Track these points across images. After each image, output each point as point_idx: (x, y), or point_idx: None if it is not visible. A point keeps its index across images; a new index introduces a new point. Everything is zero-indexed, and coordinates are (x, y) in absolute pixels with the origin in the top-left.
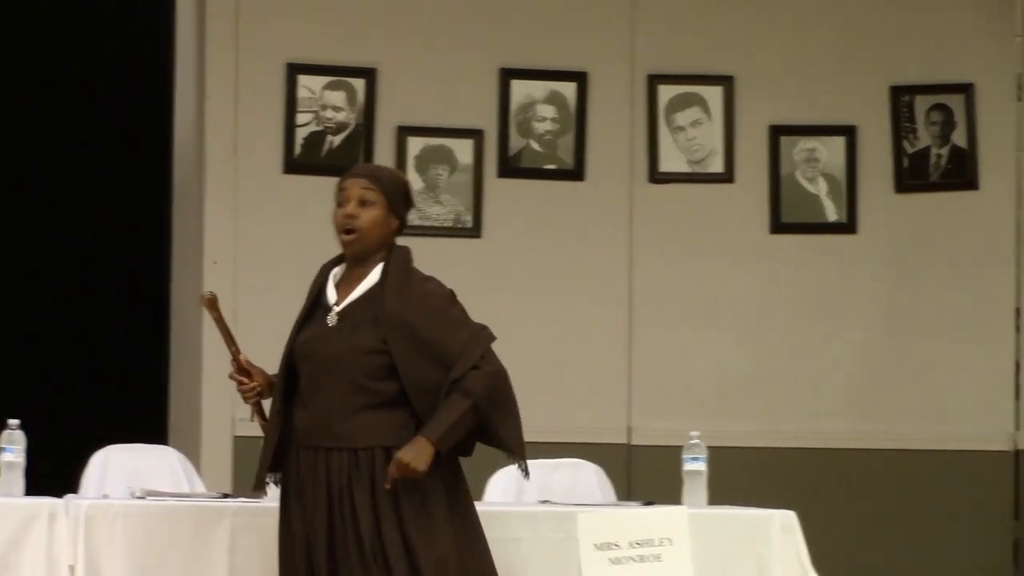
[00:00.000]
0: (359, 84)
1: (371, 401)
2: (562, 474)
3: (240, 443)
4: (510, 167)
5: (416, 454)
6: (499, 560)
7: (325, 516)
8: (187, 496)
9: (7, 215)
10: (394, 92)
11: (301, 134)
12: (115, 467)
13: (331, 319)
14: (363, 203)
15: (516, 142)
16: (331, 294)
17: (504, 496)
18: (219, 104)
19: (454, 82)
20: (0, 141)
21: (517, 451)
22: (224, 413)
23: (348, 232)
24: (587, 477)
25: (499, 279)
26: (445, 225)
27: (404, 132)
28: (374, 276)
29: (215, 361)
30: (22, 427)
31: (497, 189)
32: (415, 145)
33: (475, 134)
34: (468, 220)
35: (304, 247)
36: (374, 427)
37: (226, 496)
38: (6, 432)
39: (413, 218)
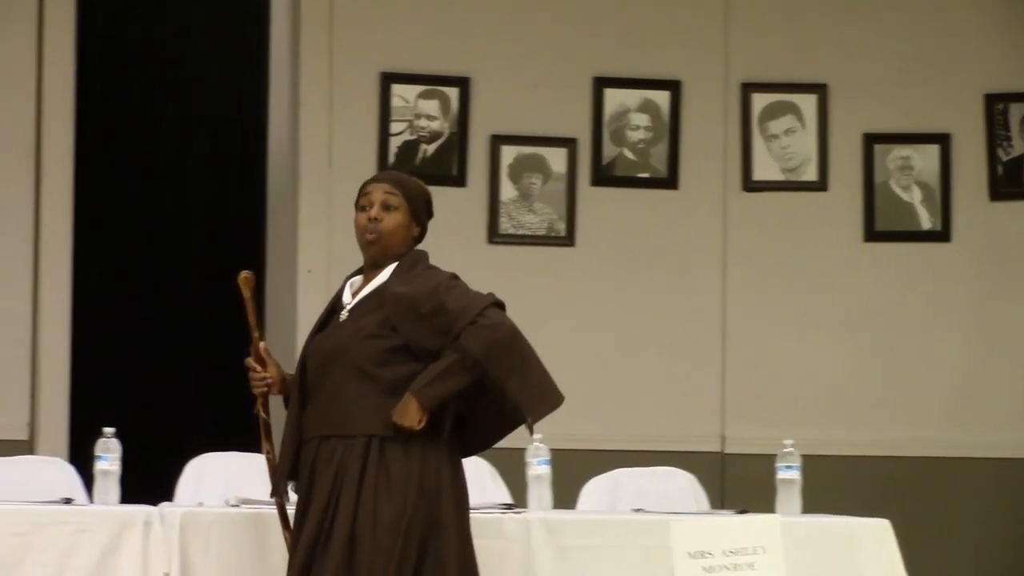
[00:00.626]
0: (453, 93)
1: (372, 387)
2: (656, 482)
3: None
4: (603, 176)
5: (401, 411)
6: (592, 568)
7: (328, 494)
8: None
9: (103, 227)
10: (488, 101)
11: (395, 143)
12: (210, 475)
13: (342, 316)
14: (386, 207)
15: (609, 150)
16: (347, 297)
17: (598, 504)
18: (314, 114)
19: (548, 91)
20: (95, 155)
21: (525, 407)
22: None
23: (371, 236)
24: (681, 485)
25: (592, 288)
26: (538, 234)
27: (498, 141)
28: (385, 274)
29: None
30: (117, 435)
31: (590, 198)
32: (508, 154)
33: (569, 143)
34: (561, 229)
35: None
36: (372, 415)
37: None
38: (101, 440)
39: (507, 226)
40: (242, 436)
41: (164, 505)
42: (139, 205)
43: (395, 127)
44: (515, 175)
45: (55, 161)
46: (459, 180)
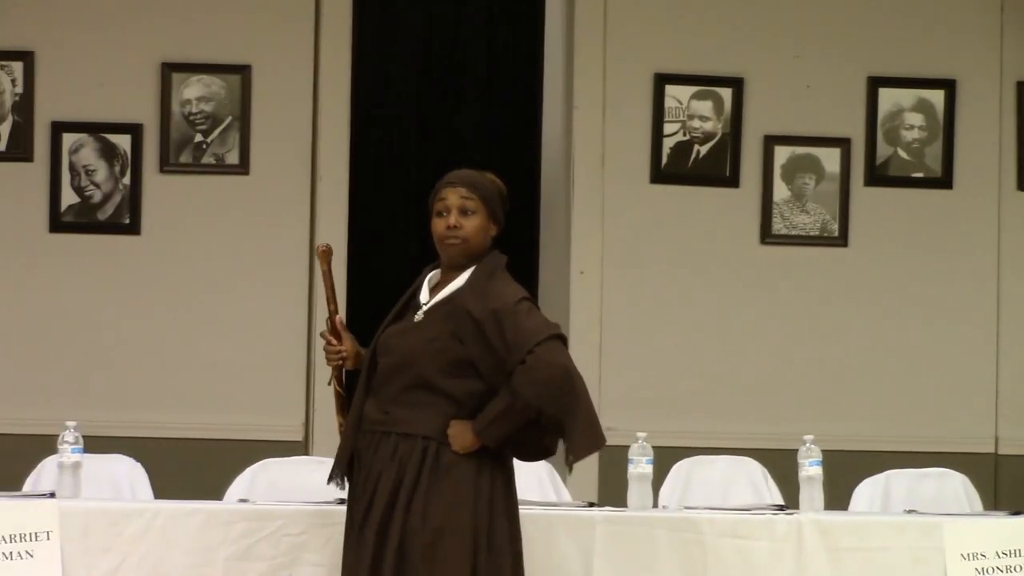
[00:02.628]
0: (727, 93)
1: (435, 398)
2: (929, 484)
3: (607, 453)
4: (877, 175)
5: (458, 437)
6: (864, 569)
7: (367, 501)
8: (554, 505)
9: (376, 230)
10: (761, 101)
11: (668, 144)
12: None
13: (418, 316)
14: (464, 212)
15: (883, 150)
16: (424, 294)
17: (870, 506)
18: (587, 114)
19: (821, 91)
20: (367, 154)
21: (570, 449)
22: None
23: (453, 241)
24: (954, 486)
25: (865, 288)
26: (811, 234)
27: (771, 141)
28: (463, 278)
29: (582, 370)
30: None
31: (864, 198)
32: (782, 154)
33: (842, 143)
34: (834, 229)
35: (671, 257)
36: (427, 419)
37: (592, 505)
38: None
39: (779, 227)
40: None
41: None
42: (413, 208)
43: (668, 128)
44: (788, 175)
45: (330, 167)
46: (732, 181)
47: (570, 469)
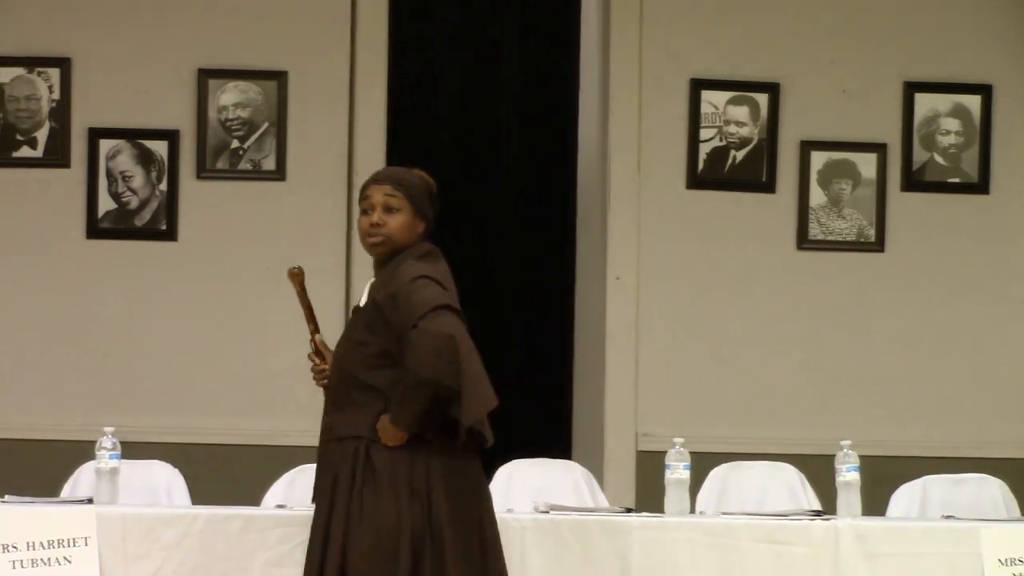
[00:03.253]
0: (763, 99)
1: (366, 395)
2: (966, 489)
3: (644, 458)
4: (914, 181)
5: (382, 432)
6: (902, 575)
7: (327, 502)
8: (591, 511)
9: None
10: (798, 106)
11: (704, 149)
12: (519, 481)
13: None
14: (388, 209)
15: (920, 155)
16: (363, 299)
17: (908, 511)
18: (623, 120)
19: (858, 96)
20: (403, 160)
21: (459, 415)
22: (627, 428)
23: (375, 239)
24: (991, 492)
25: (902, 293)
26: (848, 239)
27: (807, 146)
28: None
29: (618, 376)
30: None
31: (900, 203)
32: (818, 159)
33: (879, 148)
34: (871, 234)
35: (707, 262)
36: (359, 419)
37: (629, 511)
38: None
39: (816, 232)
40: (551, 443)
41: None
42: (449, 214)
43: (704, 133)
44: (825, 181)
45: (367, 173)
46: (768, 186)
47: (462, 436)
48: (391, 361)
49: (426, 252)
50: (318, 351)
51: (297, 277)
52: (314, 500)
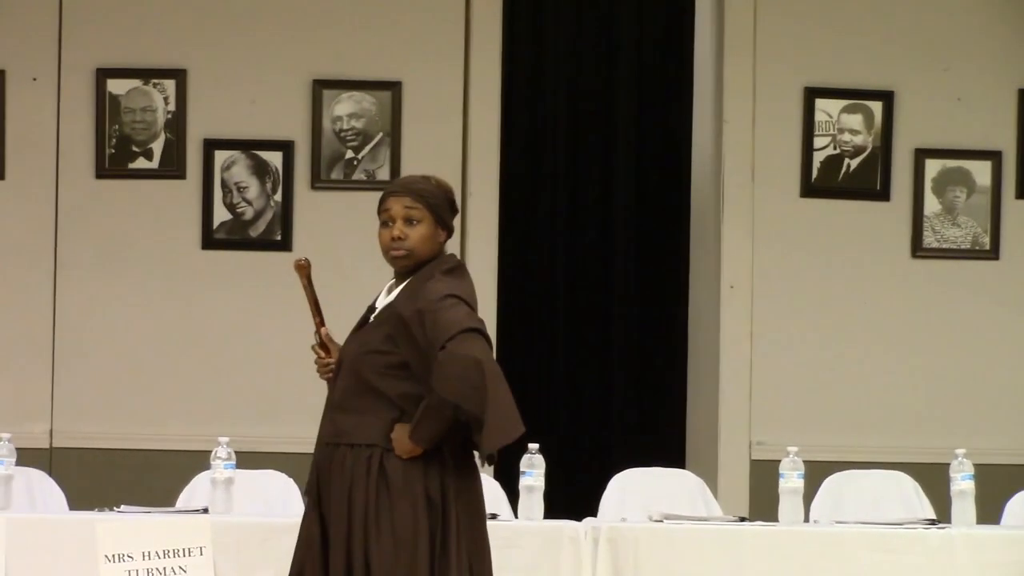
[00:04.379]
0: (877, 107)
1: (378, 403)
2: None
3: (757, 467)
4: None
5: (397, 442)
6: None
7: (345, 512)
8: (704, 520)
9: (525, 241)
10: (911, 114)
11: (818, 158)
12: (633, 491)
13: (371, 321)
14: (409, 221)
15: None
16: (380, 301)
17: (1022, 520)
18: (737, 129)
19: (972, 103)
20: (517, 170)
21: (483, 441)
22: (741, 437)
23: (398, 252)
24: None
25: (1016, 301)
26: (962, 247)
27: (922, 154)
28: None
29: (732, 385)
30: (541, 451)
31: (1015, 210)
32: (932, 167)
33: (993, 155)
34: (985, 242)
35: (821, 271)
36: (373, 427)
37: (743, 520)
38: (526, 456)
39: (930, 240)
40: (665, 452)
41: (588, 520)
42: (563, 221)
43: (818, 142)
44: (939, 188)
45: (481, 183)
46: (883, 194)
47: (483, 463)
48: (410, 374)
49: (453, 267)
50: (323, 344)
51: (304, 269)
52: (316, 504)
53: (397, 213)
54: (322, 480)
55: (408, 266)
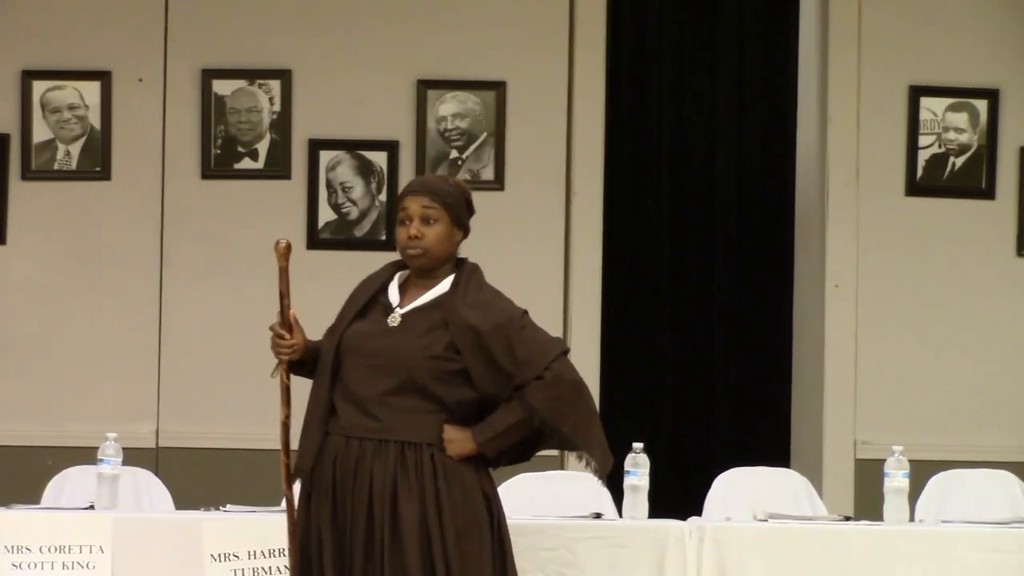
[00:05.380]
0: (982, 105)
1: (426, 404)
2: None
3: (862, 466)
4: None
5: (457, 445)
6: None
7: (365, 510)
8: (809, 519)
9: (630, 241)
10: (1017, 113)
11: (923, 156)
12: (737, 490)
13: (393, 319)
14: (426, 221)
15: None
16: (393, 295)
17: None
18: (842, 127)
19: None
20: (622, 170)
21: (596, 467)
22: (846, 436)
23: (414, 251)
24: None
25: None
26: None
27: None
28: (444, 285)
29: (837, 384)
30: (646, 450)
31: None
32: None
33: None
34: None
35: (926, 270)
36: (425, 426)
37: (848, 519)
38: (631, 456)
39: None
40: (769, 452)
41: (693, 520)
42: (667, 218)
43: (923, 140)
44: None
45: (585, 182)
46: (988, 193)
47: (597, 475)
48: (466, 382)
49: (479, 272)
50: (287, 323)
51: (286, 252)
52: (329, 495)
53: (415, 212)
54: (342, 470)
55: (425, 265)
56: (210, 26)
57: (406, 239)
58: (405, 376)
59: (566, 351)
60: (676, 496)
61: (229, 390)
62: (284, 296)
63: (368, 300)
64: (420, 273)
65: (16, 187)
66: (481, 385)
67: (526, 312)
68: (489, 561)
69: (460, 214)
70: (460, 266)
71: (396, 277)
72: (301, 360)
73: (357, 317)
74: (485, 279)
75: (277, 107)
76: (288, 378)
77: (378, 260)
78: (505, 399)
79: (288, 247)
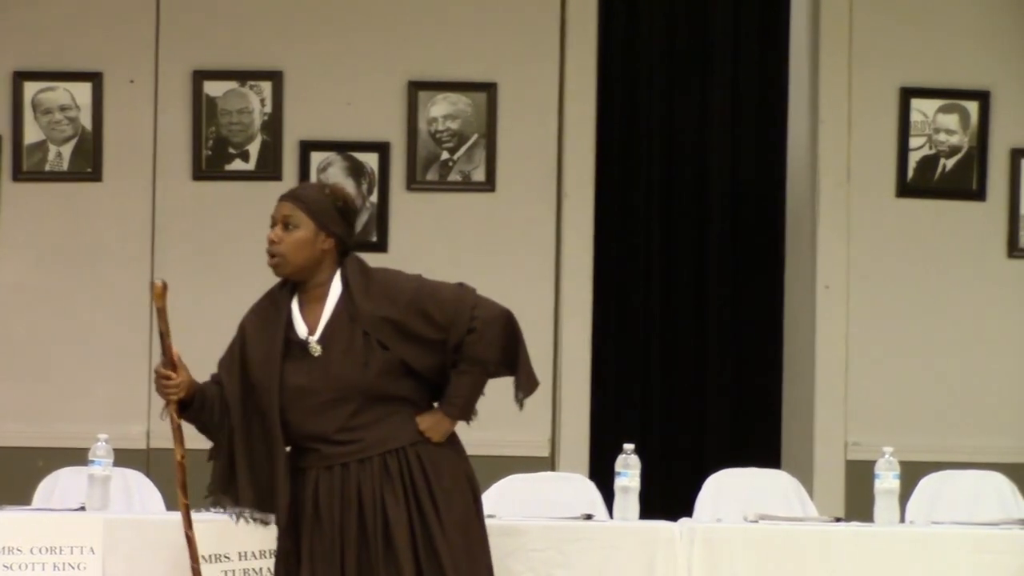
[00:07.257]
0: (972, 107)
1: (391, 407)
2: None
3: (853, 468)
4: None
5: (435, 428)
6: None
7: (355, 528)
8: (800, 520)
9: (621, 242)
10: (1008, 114)
11: (914, 158)
12: (728, 491)
13: (314, 350)
14: (287, 226)
15: None
16: (300, 327)
17: None
18: (832, 129)
19: None
20: (612, 171)
21: (521, 388)
22: (837, 438)
23: (271, 259)
24: None
25: None
26: None
27: (1018, 154)
28: (336, 289)
29: (828, 385)
30: (637, 451)
31: None
32: None
33: None
34: None
35: (917, 271)
36: (400, 428)
37: (838, 520)
38: (621, 456)
39: None
40: (760, 452)
41: (684, 521)
42: (658, 222)
43: (914, 142)
44: None
45: (576, 184)
46: (979, 194)
47: (520, 406)
48: (408, 369)
49: (360, 261)
50: (173, 364)
51: (160, 292)
52: (324, 526)
53: (277, 217)
54: (328, 502)
55: (285, 272)
56: (201, 28)
57: (267, 243)
58: (358, 396)
59: (472, 289)
60: (667, 497)
61: None
62: (165, 335)
63: (284, 342)
64: (300, 285)
65: (7, 188)
66: (421, 363)
67: (420, 275)
68: (483, 546)
69: (327, 220)
70: (343, 264)
71: (294, 307)
72: (188, 399)
73: (284, 362)
74: (367, 264)
75: (268, 108)
76: (179, 417)
77: (369, 261)
78: (451, 363)
79: (164, 287)
